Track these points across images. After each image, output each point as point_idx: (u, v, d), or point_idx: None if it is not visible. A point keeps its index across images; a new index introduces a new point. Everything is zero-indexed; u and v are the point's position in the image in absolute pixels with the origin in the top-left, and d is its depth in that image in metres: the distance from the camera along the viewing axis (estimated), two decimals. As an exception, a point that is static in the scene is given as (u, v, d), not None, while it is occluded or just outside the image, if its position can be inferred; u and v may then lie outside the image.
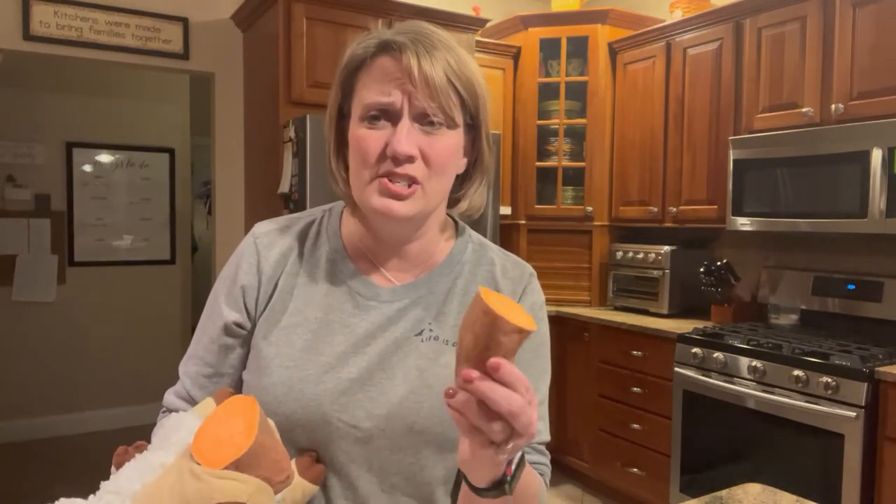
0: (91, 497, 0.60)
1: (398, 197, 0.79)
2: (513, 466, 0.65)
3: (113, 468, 0.67)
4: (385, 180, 0.79)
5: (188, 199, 4.56)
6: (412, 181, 0.79)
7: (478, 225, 0.97)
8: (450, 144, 0.82)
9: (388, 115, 0.79)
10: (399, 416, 0.81)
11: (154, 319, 4.30)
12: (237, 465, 0.59)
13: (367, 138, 0.80)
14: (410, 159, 0.78)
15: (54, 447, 3.88)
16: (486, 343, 0.57)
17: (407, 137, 0.78)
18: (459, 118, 0.82)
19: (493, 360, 0.56)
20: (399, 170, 0.78)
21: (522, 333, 0.57)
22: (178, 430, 0.67)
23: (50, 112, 4.01)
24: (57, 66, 3.95)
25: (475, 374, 0.57)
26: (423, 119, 0.79)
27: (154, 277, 4.34)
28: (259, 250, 0.89)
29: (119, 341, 4.21)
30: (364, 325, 0.85)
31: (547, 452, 0.93)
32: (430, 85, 0.77)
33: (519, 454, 0.66)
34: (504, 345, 0.57)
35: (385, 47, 0.80)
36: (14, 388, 3.94)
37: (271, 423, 0.72)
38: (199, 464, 0.60)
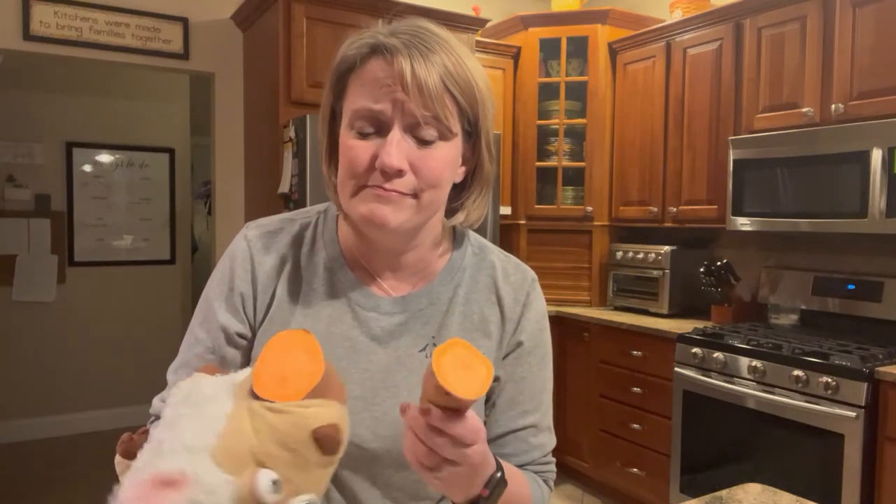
0: (157, 462, 0.55)
1: (387, 201, 0.74)
2: (489, 488, 0.67)
3: (118, 458, 0.63)
4: (376, 189, 0.74)
5: (188, 199, 4.56)
6: (402, 196, 0.75)
7: (478, 225, 0.94)
8: (444, 157, 0.76)
9: (379, 123, 0.74)
10: None
11: (154, 319, 4.30)
12: (313, 394, 0.58)
13: (355, 148, 0.74)
14: (400, 173, 0.73)
15: (54, 447, 3.88)
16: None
17: (397, 150, 0.72)
18: (457, 127, 0.76)
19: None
20: (388, 185, 0.73)
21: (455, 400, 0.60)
22: (205, 396, 0.61)
23: (50, 112, 4.01)
24: (57, 66, 3.95)
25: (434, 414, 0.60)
26: (415, 130, 0.73)
27: (154, 277, 4.34)
28: (253, 255, 0.85)
29: (119, 341, 4.21)
30: (364, 339, 0.83)
31: (552, 458, 0.93)
32: (424, 92, 0.72)
33: (499, 474, 0.68)
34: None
35: (377, 50, 0.74)
36: (14, 388, 3.94)
37: None
38: (272, 402, 0.58)
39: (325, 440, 0.56)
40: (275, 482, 0.53)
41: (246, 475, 0.53)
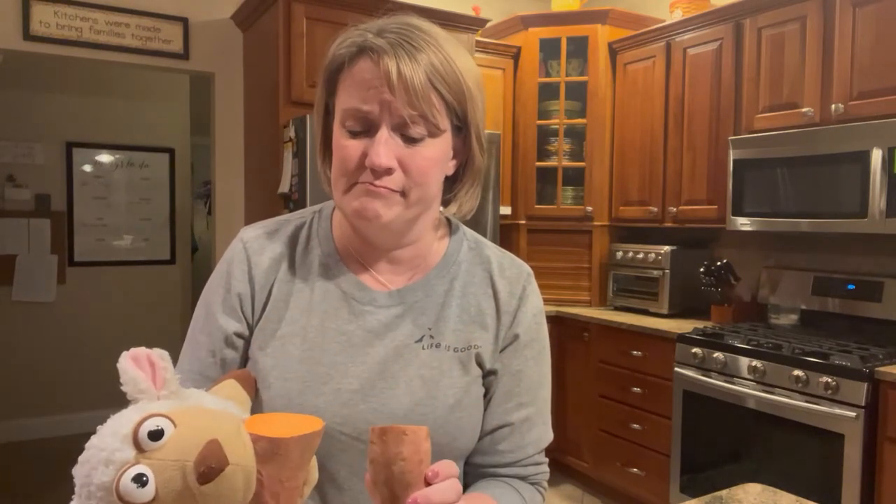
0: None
1: (377, 196, 0.76)
2: None
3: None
4: (367, 185, 0.76)
5: (188, 199, 4.56)
6: (391, 192, 0.77)
7: (477, 225, 0.95)
8: (432, 154, 0.78)
9: (368, 123, 0.76)
10: None
11: (154, 319, 4.30)
12: (257, 442, 0.58)
13: (346, 147, 0.77)
14: (388, 171, 0.75)
15: (54, 447, 3.88)
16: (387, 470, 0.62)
17: (385, 148, 0.74)
18: (445, 123, 0.78)
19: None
20: (378, 182, 0.76)
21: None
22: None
23: (50, 112, 4.01)
24: (57, 66, 3.95)
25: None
26: (403, 128, 0.75)
27: (154, 277, 4.34)
28: (249, 256, 0.86)
29: (119, 341, 4.19)
30: (360, 333, 0.83)
31: (545, 458, 0.92)
32: (410, 92, 0.73)
33: None
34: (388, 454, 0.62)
35: (364, 50, 0.76)
36: (14, 388, 3.94)
37: (314, 476, 0.67)
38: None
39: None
40: (143, 478, 0.52)
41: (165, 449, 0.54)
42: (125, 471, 0.52)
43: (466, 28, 3.25)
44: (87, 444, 0.55)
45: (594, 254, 3.59)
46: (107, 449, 0.53)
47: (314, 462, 0.64)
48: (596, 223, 3.59)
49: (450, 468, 0.65)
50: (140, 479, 0.52)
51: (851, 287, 2.70)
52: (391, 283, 0.87)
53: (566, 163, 3.64)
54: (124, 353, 0.60)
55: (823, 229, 2.52)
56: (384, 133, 0.75)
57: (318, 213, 0.92)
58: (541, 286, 0.95)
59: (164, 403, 0.58)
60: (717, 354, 2.59)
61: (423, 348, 0.83)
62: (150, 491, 0.52)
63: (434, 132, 0.77)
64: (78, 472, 0.55)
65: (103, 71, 4.04)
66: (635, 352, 3.02)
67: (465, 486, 0.87)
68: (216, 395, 0.68)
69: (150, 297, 4.31)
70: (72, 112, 4.07)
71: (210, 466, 0.53)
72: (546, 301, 0.94)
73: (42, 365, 4.02)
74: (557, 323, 3.42)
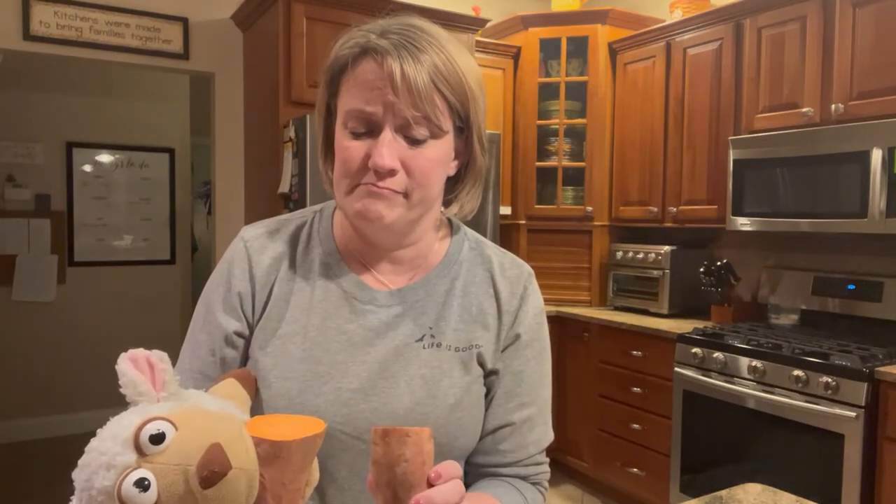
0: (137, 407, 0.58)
1: (380, 197, 0.76)
2: None
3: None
4: (369, 186, 0.76)
5: (188, 199, 4.56)
6: (394, 193, 0.77)
7: (477, 225, 0.95)
8: (435, 156, 0.78)
9: (371, 124, 0.76)
10: None
11: (154, 319, 4.30)
12: (259, 445, 0.58)
13: (349, 148, 0.77)
14: (392, 172, 0.75)
15: (54, 447, 3.88)
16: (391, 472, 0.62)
17: (388, 150, 0.74)
18: (448, 124, 0.78)
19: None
20: (381, 183, 0.76)
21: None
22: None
23: (50, 112, 4.01)
24: (57, 66, 3.95)
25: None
26: (406, 129, 0.75)
27: (154, 277, 4.34)
28: (250, 255, 0.86)
29: (119, 341, 4.19)
30: (361, 332, 0.83)
31: (546, 458, 0.92)
32: (413, 93, 0.73)
33: None
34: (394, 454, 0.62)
35: (368, 51, 0.76)
36: (14, 388, 3.94)
37: (315, 477, 0.67)
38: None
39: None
40: (145, 482, 0.52)
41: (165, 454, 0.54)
42: (127, 475, 0.52)
43: (466, 28, 3.25)
44: (87, 448, 0.55)
45: (594, 254, 3.59)
46: (107, 453, 0.53)
47: (315, 462, 0.64)
48: (596, 223, 3.59)
49: (453, 469, 0.65)
50: (142, 484, 0.52)
51: (851, 287, 2.70)
52: (392, 282, 0.87)
53: (566, 163, 3.64)
54: (123, 355, 0.59)
55: (823, 229, 2.52)
56: (387, 134, 0.75)
57: (319, 213, 0.92)
58: (541, 286, 0.95)
59: (165, 406, 0.58)
60: (717, 354, 2.59)
61: (424, 348, 0.83)
62: (152, 495, 0.52)
63: (437, 133, 0.77)
64: (78, 476, 0.55)
65: (103, 71, 4.04)
66: (635, 352, 3.02)
67: (466, 486, 0.87)
68: (216, 394, 0.68)
69: (150, 297, 4.31)
70: (72, 112, 4.07)
71: (213, 471, 0.52)
72: (546, 301, 0.94)
73: (42, 365, 4.02)
74: (557, 323, 3.42)
